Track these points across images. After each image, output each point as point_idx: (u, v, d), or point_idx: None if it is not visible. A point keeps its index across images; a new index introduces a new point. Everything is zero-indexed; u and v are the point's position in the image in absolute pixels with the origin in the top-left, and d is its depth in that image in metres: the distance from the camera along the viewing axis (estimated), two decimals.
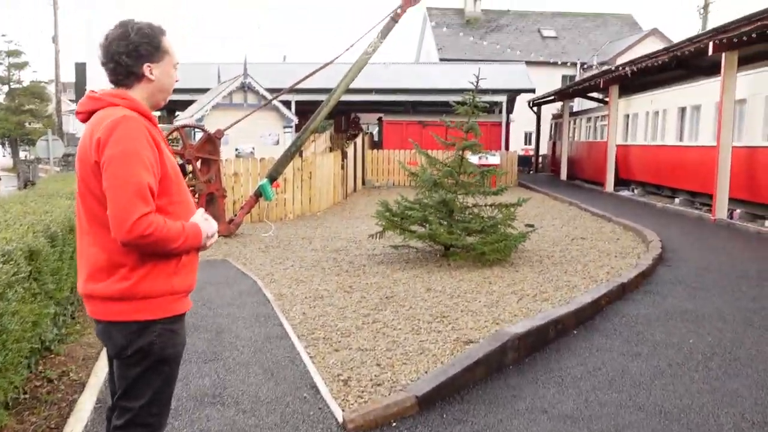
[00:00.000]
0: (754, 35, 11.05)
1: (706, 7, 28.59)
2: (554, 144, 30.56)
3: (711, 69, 14.95)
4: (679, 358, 4.76)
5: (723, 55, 12.52)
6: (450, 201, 8.63)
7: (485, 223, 8.59)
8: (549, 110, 32.57)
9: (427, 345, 4.99)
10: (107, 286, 2.21)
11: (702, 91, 15.41)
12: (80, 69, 32.45)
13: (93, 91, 2.37)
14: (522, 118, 33.56)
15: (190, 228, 2.27)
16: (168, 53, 2.38)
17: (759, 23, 10.80)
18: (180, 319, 2.36)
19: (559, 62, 36.87)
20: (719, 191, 12.96)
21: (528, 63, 30.91)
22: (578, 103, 30.54)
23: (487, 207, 9.03)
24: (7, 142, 47.08)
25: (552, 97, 27.71)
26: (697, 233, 11.49)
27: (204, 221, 2.37)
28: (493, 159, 22.18)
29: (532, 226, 12.00)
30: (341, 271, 8.17)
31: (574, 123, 27.39)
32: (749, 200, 13.24)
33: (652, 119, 18.82)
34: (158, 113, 31.94)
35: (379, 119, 27.69)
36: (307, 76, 12.51)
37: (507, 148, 24.98)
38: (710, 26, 25.76)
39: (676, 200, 17.00)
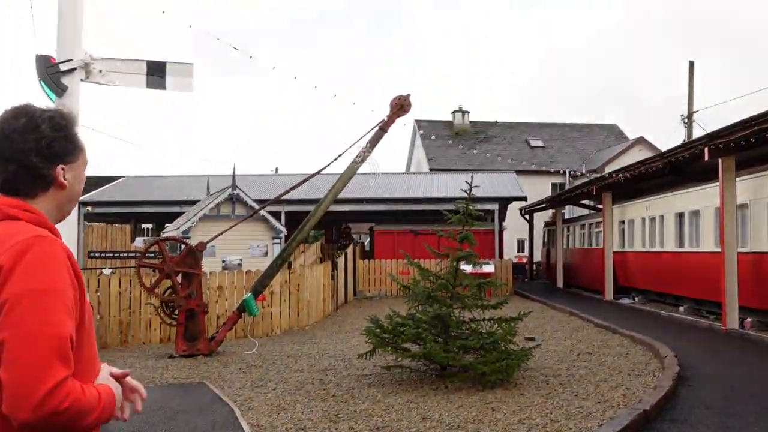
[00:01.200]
0: (752, 139, 10.82)
1: (690, 116, 29.09)
2: (548, 251, 30.18)
3: (706, 174, 14.73)
4: None
5: (720, 160, 12.28)
6: (446, 316, 7.95)
7: (484, 340, 7.87)
8: (541, 218, 32.44)
9: None
10: None
11: (700, 197, 15.13)
12: None
13: None
14: (514, 226, 33.35)
15: (104, 394, 1.64)
16: (83, 151, 1.82)
17: (756, 128, 10.59)
18: None
19: (549, 170, 37.18)
20: (729, 299, 12.33)
21: (518, 172, 31.07)
22: (570, 210, 30.46)
23: (486, 321, 8.34)
24: None
25: (543, 205, 27.62)
26: (711, 345, 10.75)
27: (113, 383, 1.73)
28: (488, 267, 21.66)
29: (533, 339, 11.30)
30: (327, 395, 7.36)
31: (568, 230, 27.12)
32: (760, 308, 12.59)
33: (649, 225, 18.48)
34: (148, 225, 31.60)
35: (371, 229, 27.36)
36: (293, 187, 12.14)
37: (501, 255, 24.51)
38: (696, 134, 26.08)
39: (681, 308, 16.31)
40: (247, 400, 7.32)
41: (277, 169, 42.23)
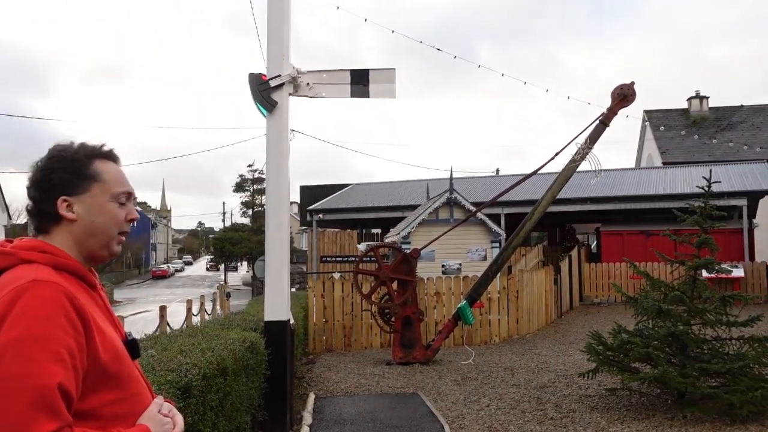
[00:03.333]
0: None
1: None
2: None
3: None
4: None
5: None
6: (682, 333, 6.90)
7: (731, 363, 6.68)
8: None
9: None
10: None
11: None
12: (305, 191, 34.91)
13: (8, 241, 1.68)
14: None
15: None
16: (98, 181, 1.70)
17: None
18: None
19: None
20: None
21: None
22: None
23: (733, 341, 7.12)
24: (248, 260, 51.78)
25: None
26: None
27: (158, 419, 1.63)
28: (737, 272, 19.14)
29: None
30: (545, 417, 6.78)
31: None
32: None
33: None
34: (377, 230, 32.87)
35: (597, 230, 25.72)
36: (508, 189, 11.61)
37: (752, 258, 21.54)
38: None
39: None
40: (459, 416, 7.01)
41: (498, 171, 41.70)
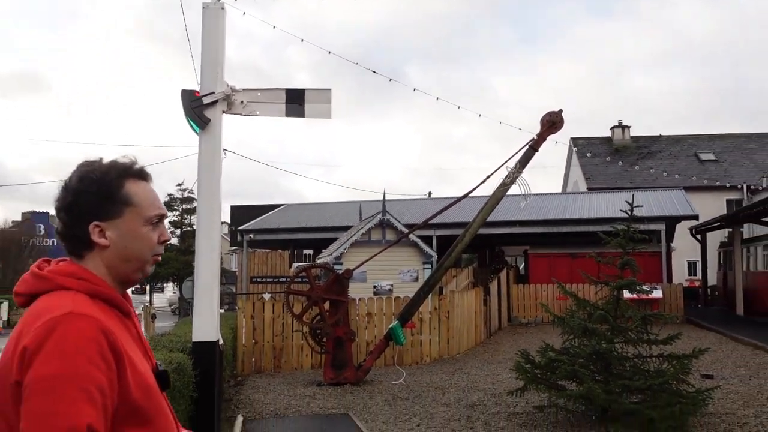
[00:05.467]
0: None
1: None
2: (725, 274, 27.40)
3: None
4: None
5: None
6: (606, 351, 7.13)
7: (652, 380, 6.94)
8: (715, 237, 29.61)
9: None
10: None
11: None
12: (235, 211, 34.39)
13: (43, 262, 1.63)
14: (684, 247, 30.72)
15: None
16: (131, 205, 1.63)
17: None
18: None
19: (723, 186, 33.96)
20: None
21: (686, 188, 28.65)
22: (750, 229, 27.52)
23: (653, 359, 7.40)
24: (175, 281, 50.45)
25: (718, 224, 25.13)
26: None
27: None
28: (655, 293, 19.97)
29: (710, 376, 10.00)
30: None
31: (748, 251, 24.45)
32: None
33: None
34: (309, 251, 32.61)
35: (525, 252, 26.35)
36: (439, 212, 11.79)
37: (670, 280, 22.50)
38: None
39: None
40: None
41: (430, 194, 42.22)
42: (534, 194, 26.87)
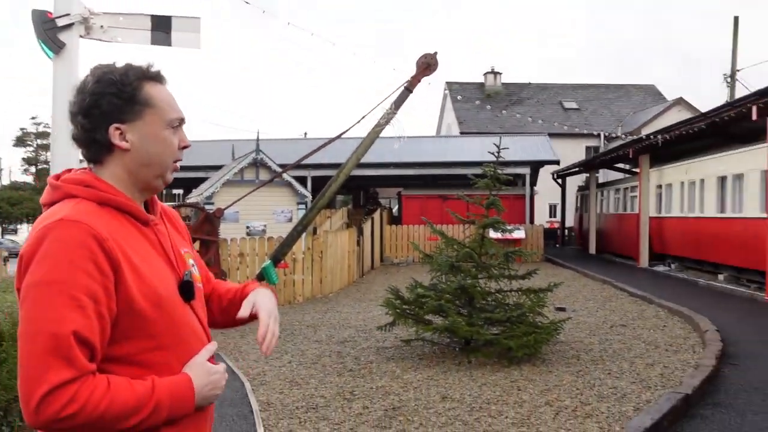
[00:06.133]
0: None
1: (733, 75, 27.77)
2: (581, 216, 29.42)
3: (753, 135, 13.88)
4: None
5: None
6: (470, 287, 7.48)
7: (511, 312, 7.40)
8: (574, 182, 31.60)
9: None
10: None
11: (745, 159, 14.29)
12: None
13: (65, 172, 1.60)
14: (546, 191, 32.58)
15: (165, 388, 1.46)
16: (151, 106, 1.58)
17: None
18: None
19: (583, 133, 36.07)
20: None
21: (550, 135, 30.16)
22: (604, 174, 29.56)
23: (513, 293, 7.86)
24: (30, 222, 47.29)
25: (577, 169, 26.82)
26: (754, 319, 10.13)
27: (206, 368, 1.56)
28: (518, 233, 21.10)
29: (563, 309, 10.79)
30: (344, 370, 7.00)
31: (602, 195, 26.32)
32: None
33: (688, 190, 17.66)
34: (179, 191, 31.46)
35: (398, 194, 26.87)
36: (313, 152, 11.66)
37: (532, 221, 23.86)
38: (738, 95, 24.89)
39: (720, 277, 15.61)
40: (261, 373, 7.01)
41: (306, 134, 41.77)
42: (408, 136, 27.16)
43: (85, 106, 1.54)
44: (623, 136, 30.99)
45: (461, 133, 35.90)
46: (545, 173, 28.39)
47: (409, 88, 11.88)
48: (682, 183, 18.04)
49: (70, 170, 1.60)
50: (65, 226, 1.42)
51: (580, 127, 37.35)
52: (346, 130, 11.63)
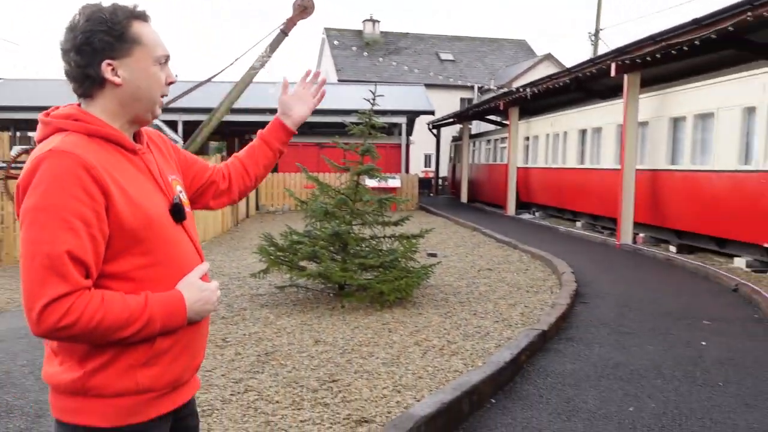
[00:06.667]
0: (658, 56, 10.72)
1: (597, 33, 29.27)
2: (454, 166, 30.32)
3: (612, 91, 14.77)
4: None
5: (626, 76, 12.21)
6: (344, 233, 7.53)
7: (384, 258, 7.54)
8: (449, 132, 32.40)
9: (309, 427, 3.85)
10: (57, 374, 1.61)
11: (603, 114, 15.20)
12: None
13: (47, 111, 1.69)
14: (422, 141, 33.21)
15: (158, 303, 1.60)
16: (140, 44, 1.68)
17: (664, 43, 10.47)
18: (153, 426, 1.66)
19: (458, 85, 36.91)
20: (624, 216, 12.59)
21: (427, 85, 30.60)
22: (477, 126, 30.51)
23: (387, 238, 8.00)
24: None
25: (451, 120, 27.46)
26: (605, 261, 10.96)
27: (197, 285, 1.69)
28: (393, 182, 21.47)
29: (434, 255, 11.16)
30: (217, 317, 6.87)
31: (474, 145, 27.18)
32: (652, 224, 12.97)
33: (552, 142, 18.61)
34: (33, 133, 29.03)
35: None
36: (183, 94, 11.18)
37: (407, 170, 24.30)
38: (601, 52, 26.27)
39: (578, 224, 16.72)
40: None
41: (177, 76, 39.79)
42: (283, 82, 26.52)
43: (77, 43, 1.61)
44: (495, 88, 32.03)
45: (339, 80, 35.59)
46: (421, 123, 28.87)
47: (284, 31, 11.59)
48: (548, 135, 18.97)
49: (57, 107, 1.69)
50: (56, 156, 1.52)
51: (456, 78, 38.19)
52: (219, 73, 11.23)
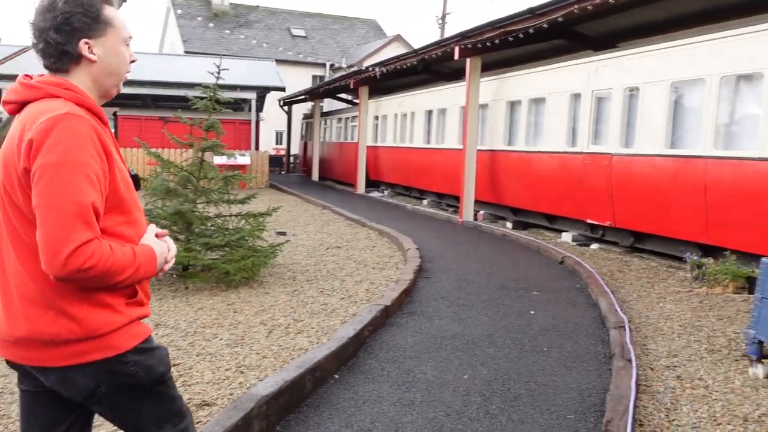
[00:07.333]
0: (497, 41, 11.27)
1: (443, 17, 30.24)
2: (305, 144, 30.20)
3: (457, 73, 15.33)
4: (457, 404, 4.05)
5: (468, 60, 12.74)
6: (187, 212, 7.27)
7: (230, 237, 7.37)
8: (300, 109, 32.17)
9: None
10: (50, 326, 1.77)
11: (448, 95, 15.78)
12: None
13: (28, 76, 1.87)
14: (273, 117, 32.75)
15: (142, 254, 1.85)
16: (112, 25, 1.89)
17: (502, 29, 11.02)
18: (149, 338, 1.97)
19: (310, 62, 36.68)
20: (466, 193, 13.21)
21: (278, 61, 30.11)
22: (329, 104, 30.55)
23: (233, 217, 7.83)
24: None
25: (303, 97, 27.26)
26: (449, 237, 11.46)
27: (156, 241, 1.94)
28: (243, 159, 21.03)
29: (283, 233, 11.10)
30: None
31: (326, 123, 27.22)
32: (492, 202, 13.72)
33: (400, 121, 19.05)
34: None
35: (114, 114, 24.84)
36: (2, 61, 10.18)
37: (257, 147, 23.86)
38: (448, 35, 27.22)
39: (425, 202, 17.32)
40: None
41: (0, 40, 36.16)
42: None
43: (57, 23, 1.79)
44: (347, 67, 32.18)
45: (186, 52, 34.08)
46: (272, 100, 28.42)
47: None
48: (396, 115, 19.40)
49: (30, 76, 1.85)
50: (73, 119, 1.72)
51: (308, 55, 37.92)
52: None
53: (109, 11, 1.88)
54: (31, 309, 1.77)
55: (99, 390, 1.83)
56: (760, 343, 4.54)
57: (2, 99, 1.89)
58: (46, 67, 1.86)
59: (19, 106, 1.82)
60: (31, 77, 1.85)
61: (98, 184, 1.73)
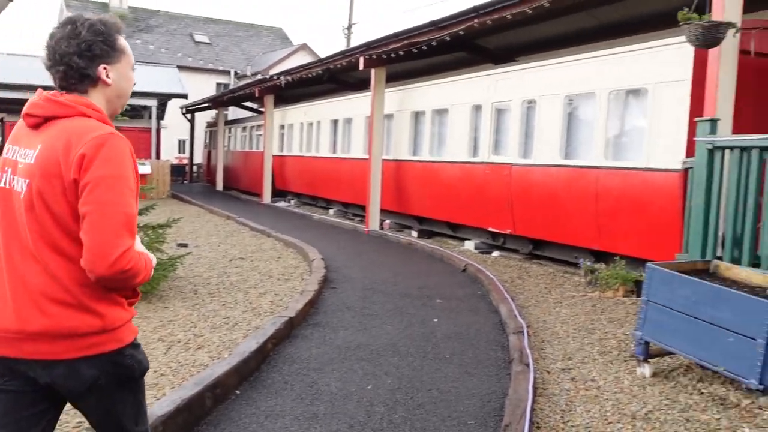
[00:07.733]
0: (401, 53, 11.43)
1: (350, 27, 30.41)
2: (209, 153, 29.53)
3: (363, 83, 15.42)
4: (361, 415, 4.03)
5: (372, 70, 12.84)
6: None
7: None
8: (204, 117, 31.44)
9: None
10: (70, 321, 1.91)
11: (354, 105, 15.84)
12: None
13: (54, 93, 2.02)
14: (175, 125, 31.82)
15: (147, 261, 2.02)
16: (125, 53, 2.10)
17: (405, 41, 11.18)
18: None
19: (214, 69, 35.93)
20: (372, 204, 13.29)
21: (180, 67, 29.33)
22: (234, 112, 30.01)
23: None
24: None
25: (206, 104, 26.65)
26: (355, 247, 11.47)
27: (145, 251, 2.07)
28: (143, 169, 20.26)
29: (185, 245, 10.77)
30: None
31: (230, 132, 26.72)
32: (397, 211, 13.86)
33: (306, 131, 18.97)
34: None
35: (1, 120, 23.39)
36: None
37: (158, 156, 23.11)
38: (353, 45, 27.39)
39: (331, 212, 17.29)
40: None
41: None
42: (15, 54, 23.88)
43: (80, 49, 1.97)
44: (252, 75, 31.73)
45: None
46: (174, 107, 27.65)
47: None
48: (302, 124, 19.30)
49: (55, 94, 2.01)
50: (118, 139, 1.92)
51: (212, 62, 37.14)
52: None
53: (121, 41, 2.10)
54: (52, 306, 1.90)
55: (99, 381, 1.97)
56: (647, 343, 4.79)
57: (24, 111, 2.01)
58: (63, 87, 2.02)
59: (42, 120, 1.97)
60: (57, 95, 2.00)
61: (135, 197, 1.96)
